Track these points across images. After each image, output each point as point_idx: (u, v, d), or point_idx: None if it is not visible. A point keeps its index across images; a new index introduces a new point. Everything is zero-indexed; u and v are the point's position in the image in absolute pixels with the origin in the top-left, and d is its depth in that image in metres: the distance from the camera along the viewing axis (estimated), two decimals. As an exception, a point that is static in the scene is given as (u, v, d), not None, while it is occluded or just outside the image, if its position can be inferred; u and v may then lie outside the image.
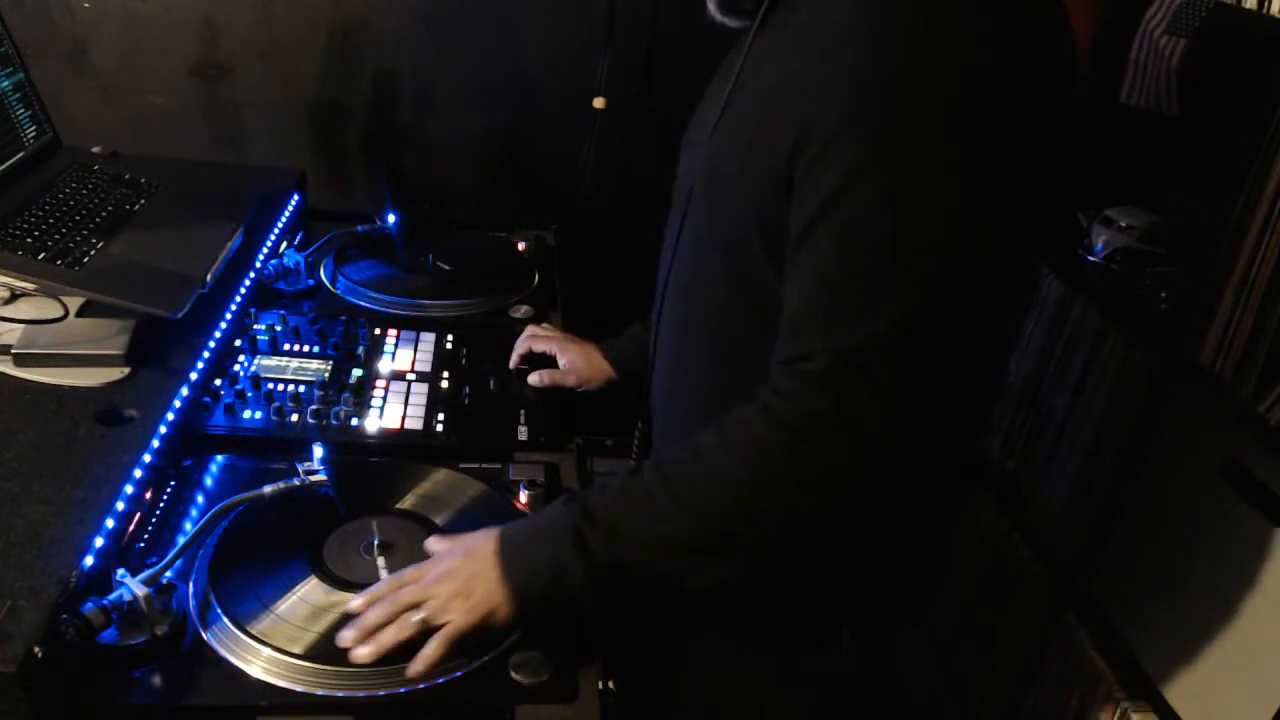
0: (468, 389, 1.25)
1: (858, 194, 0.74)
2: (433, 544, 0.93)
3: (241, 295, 1.32)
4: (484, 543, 0.88)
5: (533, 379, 1.27)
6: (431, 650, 0.83)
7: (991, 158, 0.75)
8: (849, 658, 0.99)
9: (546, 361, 1.31)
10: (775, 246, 0.82)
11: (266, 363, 1.25)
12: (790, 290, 0.80)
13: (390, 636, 0.83)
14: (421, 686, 0.82)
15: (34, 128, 1.34)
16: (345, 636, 0.84)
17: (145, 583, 0.83)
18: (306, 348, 1.29)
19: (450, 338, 1.37)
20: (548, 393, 1.26)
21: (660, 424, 1.07)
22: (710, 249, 0.90)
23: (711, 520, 0.82)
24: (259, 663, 0.83)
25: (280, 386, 1.20)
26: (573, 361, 1.28)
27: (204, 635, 0.85)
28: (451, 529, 1.00)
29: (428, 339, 1.36)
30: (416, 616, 0.84)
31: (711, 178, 0.90)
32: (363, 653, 0.83)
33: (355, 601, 0.87)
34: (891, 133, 0.73)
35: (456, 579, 0.86)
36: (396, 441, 1.15)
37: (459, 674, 0.84)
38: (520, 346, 1.32)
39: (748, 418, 0.81)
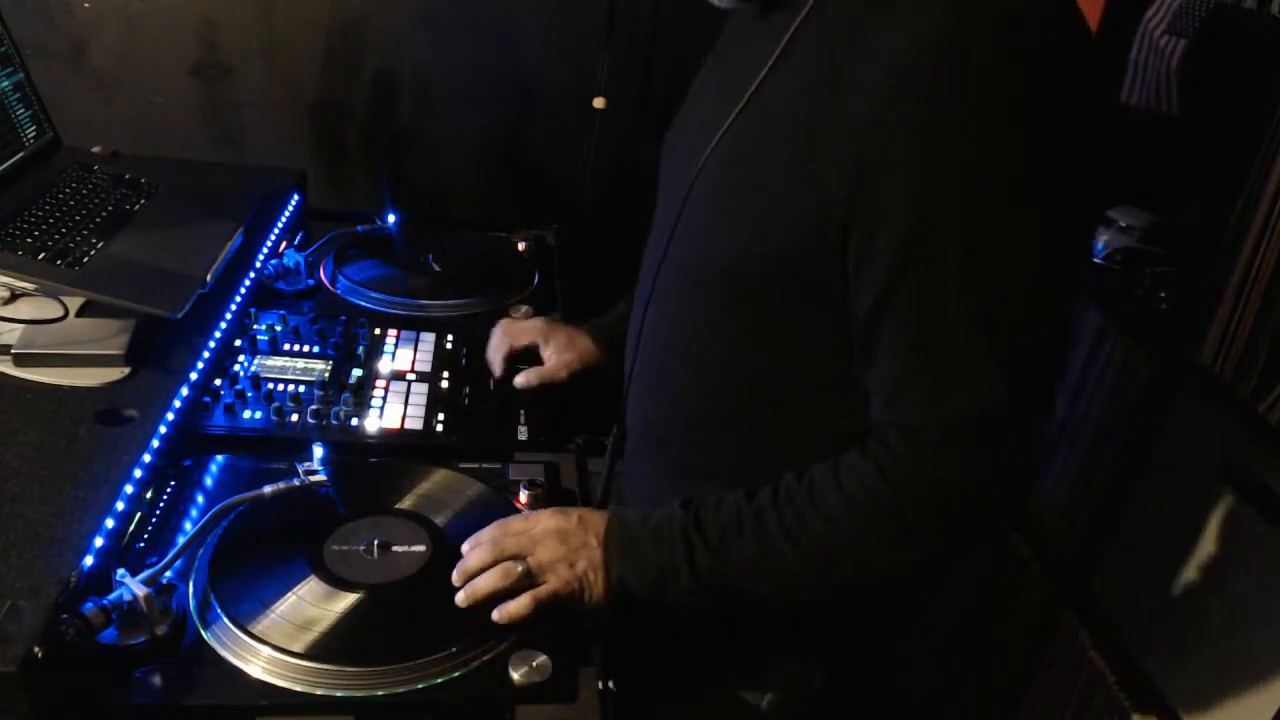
0: (468, 389, 1.25)
1: (944, 261, 0.72)
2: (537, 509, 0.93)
3: (241, 295, 1.32)
4: (598, 519, 0.88)
5: (519, 381, 1.23)
6: (519, 605, 0.83)
7: (1071, 216, 0.76)
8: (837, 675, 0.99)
9: (529, 354, 1.27)
10: (811, 283, 0.81)
11: (266, 363, 1.25)
12: (881, 355, 0.78)
13: (488, 583, 0.84)
14: (420, 687, 0.82)
15: (34, 128, 1.34)
16: (456, 577, 0.87)
17: (145, 583, 0.83)
18: (306, 348, 1.29)
19: (450, 338, 1.37)
20: (547, 392, 1.26)
21: (633, 434, 1.06)
22: (709, 274, 0.88)
23: (818, 564, 0.82)
24: (259, 662, 0.83)
25: (280, 386, 1.20)
26: (560, 351, 1.25)
27: (204, 635, 0.85)
28: (451, 529, 1.00)
29: (428, 339, 1.36)
30: (520, 567, 0.84)
31: (719, 199, 0.86)
32: (459, 597, 0.84)
33: (466, 545, 0.89)
34: (970, 197, 0.71)
35: (567, 542, 0.85)
36: (396, 441, 1.15)
37: (458, 674, 0.84)
38: (500, 348, 1.27)
39: (865, 473, 0.79)
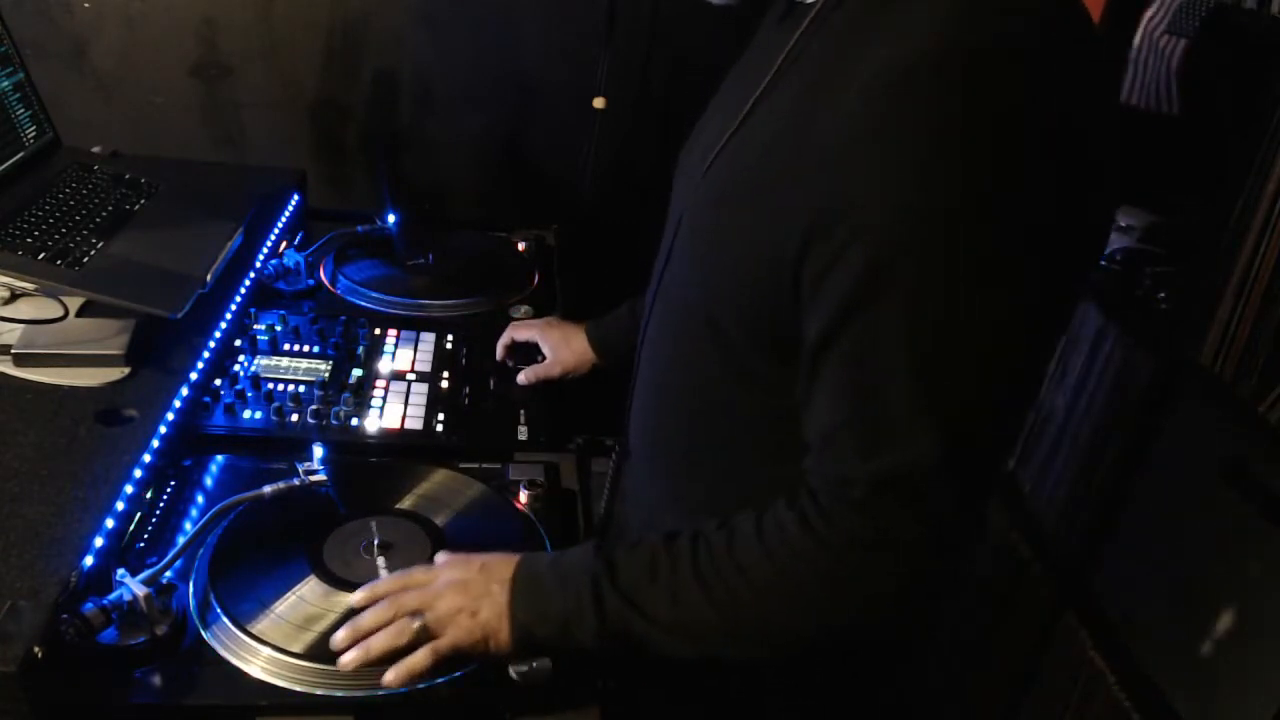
0: (468, 389, 1.25)
1: (891, 310, 0.67)
2: (444, 556, 0.88)
3: (241, 295, 1.32)
4: (503, 565, 0.83)
5: (520, 378, 1.28)
6: (418, 660, 0.80)
7: (1036, 265, 0.68)
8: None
9: (534, 352, 1.31)
10: (767, 321, 0.77)
11: (266, 363, 1.25)
12: (818, 399, 0.73)
13: (381, 643, 0.80)
14: (421, 687, 0.82)
15: (34, 128, 1.34)
16: (338, 637, 0.82)
17: (145, 583, 0.83)
18: (306, 348, 1.29)
19: (450, 338, 1.37)
20: (547, 392, 1.26)
21: (634, 467, 1.05)
22: (690, 302, 0.86)
23: (730, 619, 0.77)
24: (259, 663, 0.83)
25: (280, 386, 1.20)
26: (554, 349, 1.29)
27: (204, 635, 0.85)
28: (451, 529, 1.00)
29: (428, 339, 1.36)
30: (416, 624, 0.81)
31: (700, 231, 0.84)
32: (349, 658, 0.80)
33: (356, 596, 0.85)
34: (926, 246, 0.66)
35: (467, 593, 0.81)
36: (396, 441, 1.15)
37: (459, 674, 0.84)
38: (504, 338, 1.33)
39: (787, 525, 0.75)
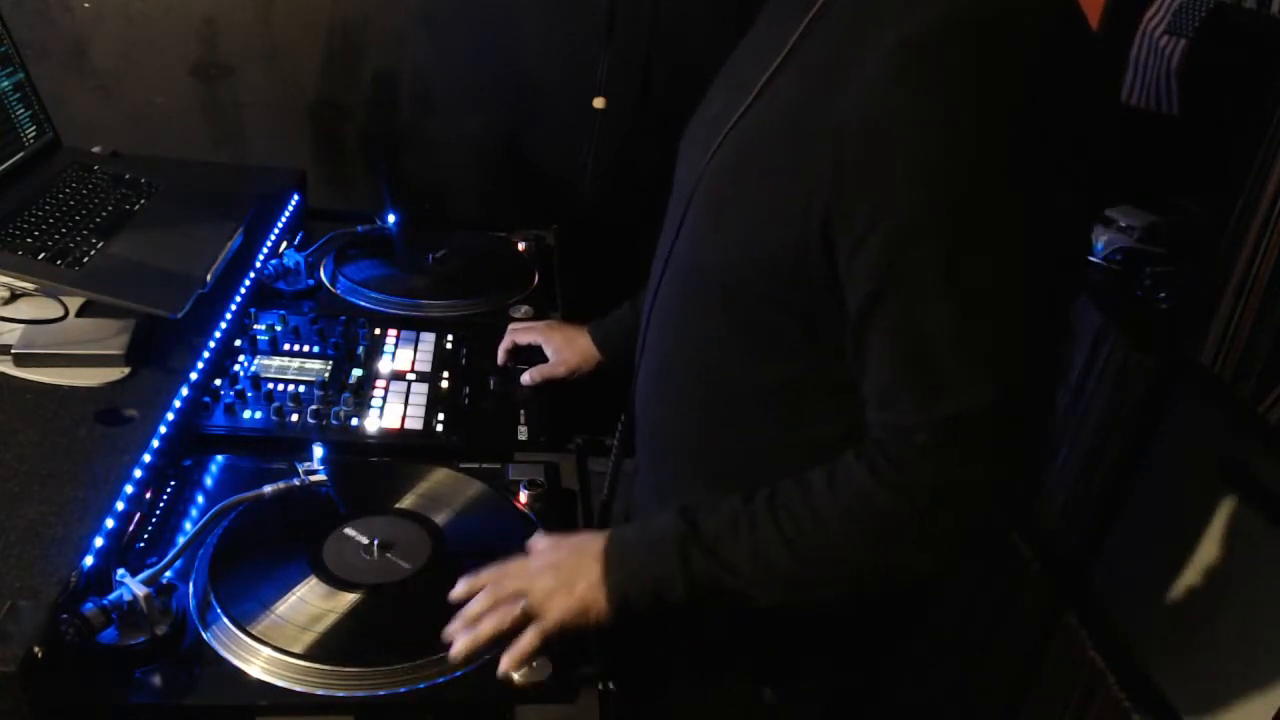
0: (468, 389, 1.25)
1: (929, 269, 0.71)
2: (537, 540, 0.92)
3: (241, 295, 1.32)
4: (592, 541, 0.88)
5: (525, 378, 1.28)
6: (526, 641, 0.83)
7: (1061, 218, 0.75)
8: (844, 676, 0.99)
9: (535, 354, 1.31)
10: (788, 293, 0.81)
11: (266, 363, 1.25)
12: (870, 358, 0.77)
13: (488, 627, 0.83)
14: (420, 687, 0.82)
15: (34, 128, 1.34)
16: (451, 629, 0.84)
17: (145, 583, 0.83)
18: (306, 348, 1.29)
19: (450, 338, 1.37)
20: (547, 392, 1.26)
21: (642, 432, 1.06)
22: (707, 273, 0.88)
23: (812, 566, 0.82)
24: (259, 663, 0.83)
25: (280, 386, 1.20)
26: (558, 350, 1.29)
27: (204, 635, 0.85)
28: (451, 529, 1.00)
29: (428, 339, 1.36)
30: (518, 608, 0.84)
31: (716, 205, 0.87)
32: (458, 647, 0.83)
33: (457, 589, 0.87)
34: (958, 201, 0.70)
35: (561, 572, 0.85)
36: (396, 441, 1.15)
37: (458, 674, 0.84)
38: (505, 342, 1.33)
39: (857, 473, 0.79)
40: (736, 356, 0.88)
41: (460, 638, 0.83)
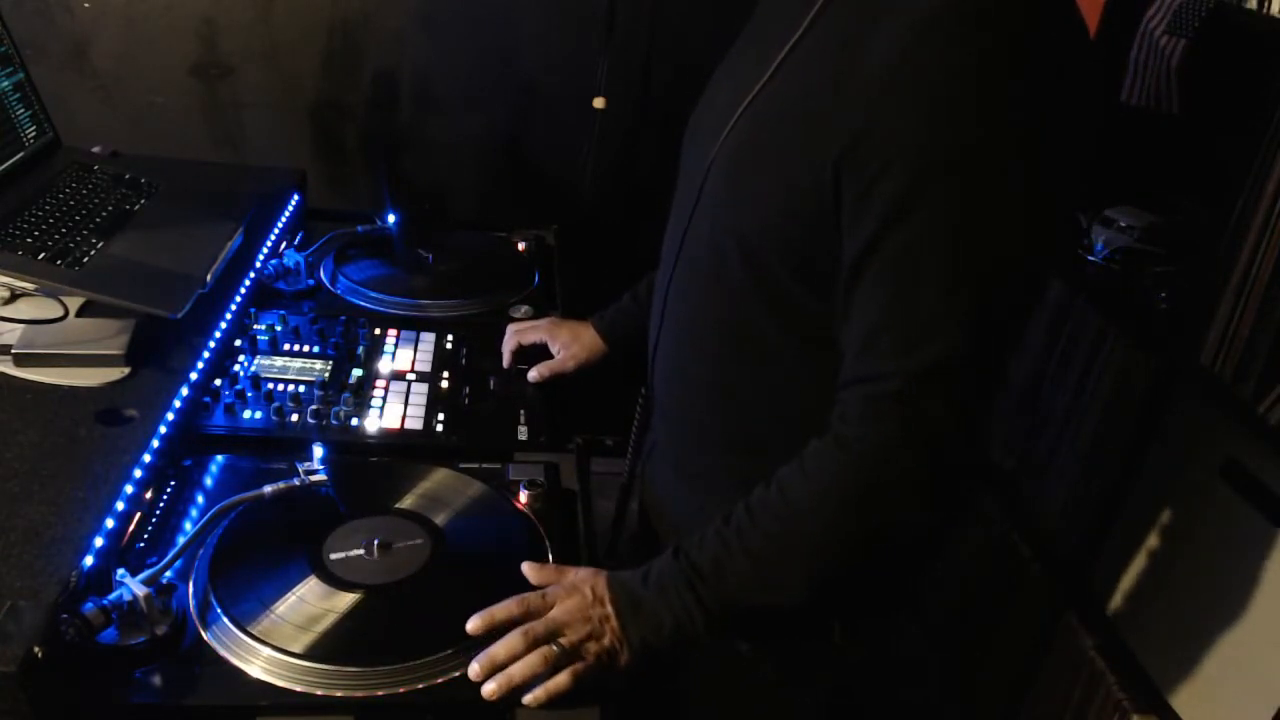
0: (468, 389, 1.25)
1: (923, 218, 0.75)
2: (534, 572, 0.92)
3: (241, 295, 1.32)
4: (603, 588, 0.88)
5: (532, 375, 1.27)
6: (562, 683, 0.83)
7: (1053, 184, 0.78)
8: (845, 652, 0.99)
9: (540, 353, 1.31)
10: (800, 255, 0.84)
11: (266, 363, 1.25)
12: (861, 302, 0.80)
13: (523, 672, 0.83)
14: (420, 687, 0.82)
15: (34, 128, 1.34)
16: (475, 670, 0.83)
17: (145, 583, 0.83)
18: (306, 348, 1.29)
19: (450, 338, 1.37)
20: (547, 391, 1.26)
21: (662, 414, 1.07)
22: (726, 243, 0.90)
23: (808, 556, 0.84)
24: (259, 663, 0.83)
25: (280, 386, 1.20)
26: (566, 345, 1.29)
27: (204, 635, 0.85)
28: (451, 529, 1.00)
29: (428, 339, 1.36)
30: (554, 653, 0.84)
31: (734, 174, 0.90)
32: (491, 689, 0.82)
33: (472, 624, 0.86)
34: (958, 162, 0.74)
35: (590, 621, 0.86)
36: (396, 441, 1.15)
37: (458, 674, 0.84)
38: (509, 343, 1.32)
39: (822, 449, 0.83)
40: (756, 325, 0.90)
41: (492, 683, 0.83)
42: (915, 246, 0.76)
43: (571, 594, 0.88)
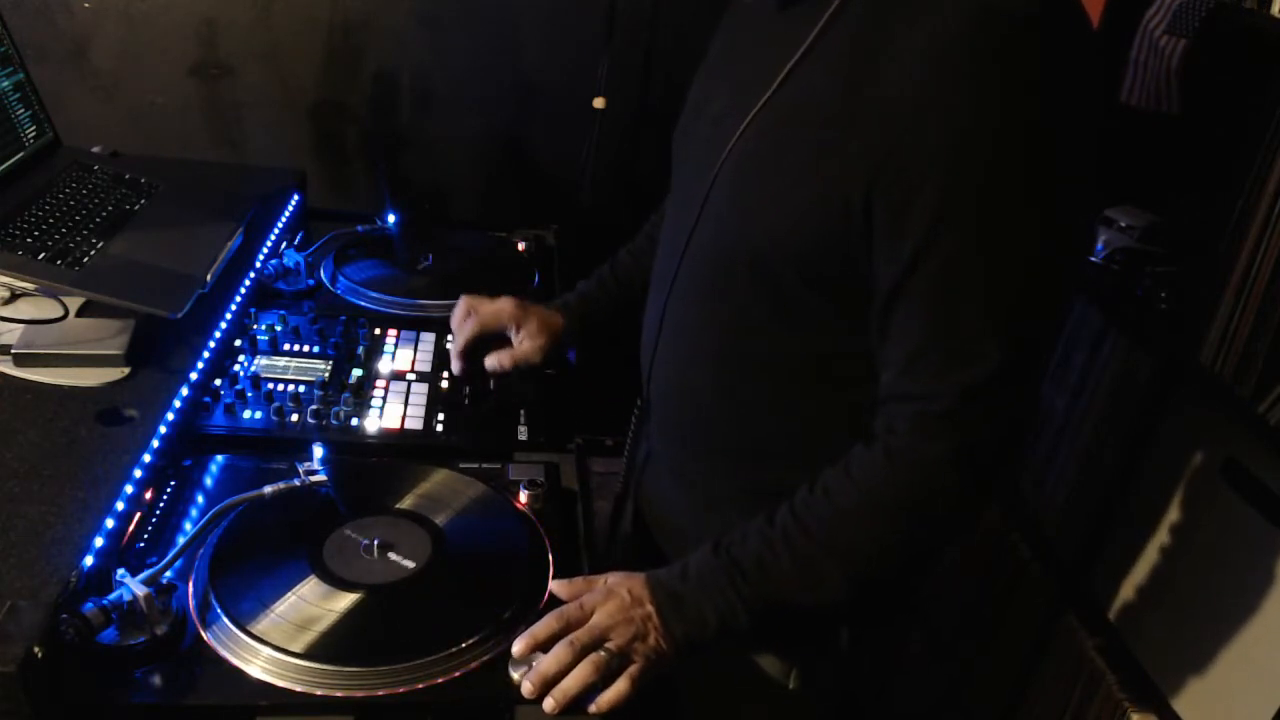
0: (468, 389, 1.25)
1: (959, 239, 0.76)
2: (564, 587, 0.91)
3: (241, 295, 1.32)
4: (640, 589, 0.89)
5: (490, 362, 1.22)
6: (622, 689, 0.84)
7: (1077, 194, 0.80)
8: (849, 657, 0.99)
9: (495, 339, 1.25)
10: (815, 265, 0.84)
11: (266, 363, 1.25)
12: (902, 324, 0.81)
13: (575, 683, 0.83)
14: (420, 687, 0.82)
15: (34, 128, 1.34)
16: (527, 689, 0.83)
17: (145, 583, 0.83)
18: (306, 348, 1.29)
19: (450, 338, 1.37)
20: (547, 391, 1.26)
21: (661, 421, 1.07)
22: (735, 253, 0.90)
23: (853, 561, 0.86)
24: (259, 662, 0.83)
25: (280, 386, 1.20)
26: (533, 336, 1.22)
27: (204, 635, 0.85)
28: (451, 529, 1.00)
29: (428, 339, 1.36)
30: (603, 659, 0.84)
31: (744, 186, 0.89)
32: (550, 705, 0.82)
33: (517, 647, 0.86)
34: (995, 182, 0.75)
35: (633, 622, 0.87)
36: (396, 441, 1.15)
37: (458, 674, 0.84)
38: (468, 327, 1.24)
39: (870, 459, 0.84)
40: (768, 334, 0.91)
41: (550, 697, 0.82)
42: (954, 266, 0.77)
43: (609, 598, 0.88)
